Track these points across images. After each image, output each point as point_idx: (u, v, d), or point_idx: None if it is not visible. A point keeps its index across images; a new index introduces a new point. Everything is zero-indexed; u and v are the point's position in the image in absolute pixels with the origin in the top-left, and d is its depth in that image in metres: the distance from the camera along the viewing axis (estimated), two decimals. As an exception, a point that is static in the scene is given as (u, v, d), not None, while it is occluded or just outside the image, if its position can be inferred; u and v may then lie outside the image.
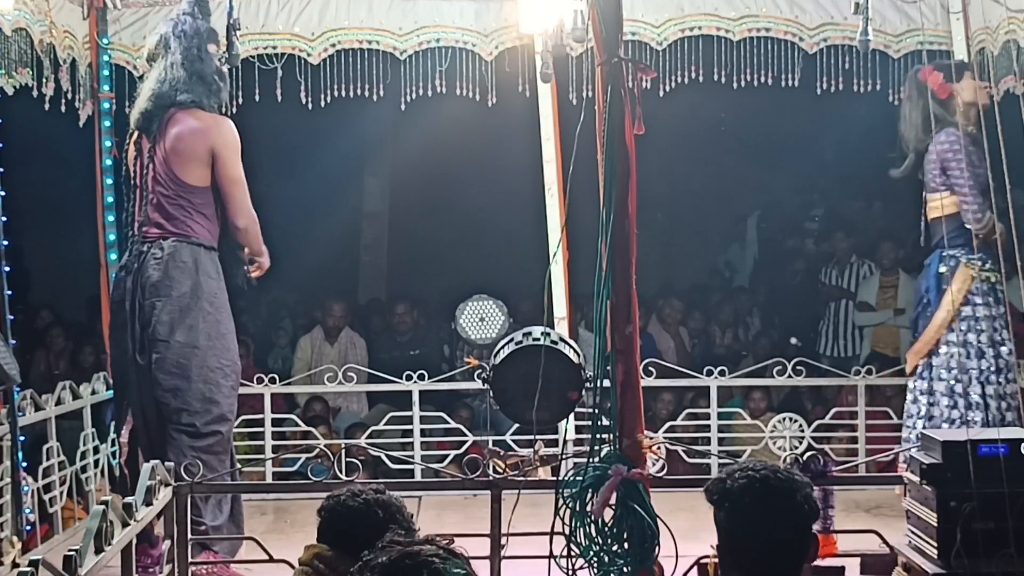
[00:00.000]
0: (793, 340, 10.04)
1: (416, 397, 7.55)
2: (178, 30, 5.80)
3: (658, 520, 4.09)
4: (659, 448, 5.15)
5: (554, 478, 4.59)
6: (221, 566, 5.51)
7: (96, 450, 6.92)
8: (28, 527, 5.72)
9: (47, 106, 6.53)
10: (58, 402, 6.49)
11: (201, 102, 5.80)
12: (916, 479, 4.50)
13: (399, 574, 2.20)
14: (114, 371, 6.09)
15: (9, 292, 5.51)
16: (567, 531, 4.17)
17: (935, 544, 4.37)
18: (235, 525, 5.73)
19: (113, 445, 7.05)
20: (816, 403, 8.54)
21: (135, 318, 5.70)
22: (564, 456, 5.22)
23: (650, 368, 7.22)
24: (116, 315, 5.89)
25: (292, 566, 4.17)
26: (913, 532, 4.60)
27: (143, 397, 5.73)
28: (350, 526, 3.35)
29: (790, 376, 7.55)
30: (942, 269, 6.46)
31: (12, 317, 5.54)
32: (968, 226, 6.32)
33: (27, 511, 5.69)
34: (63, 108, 6.72)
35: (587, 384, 4.98)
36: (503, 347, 5.30)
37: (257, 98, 7.09)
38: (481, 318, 9.22)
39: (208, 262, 5.77)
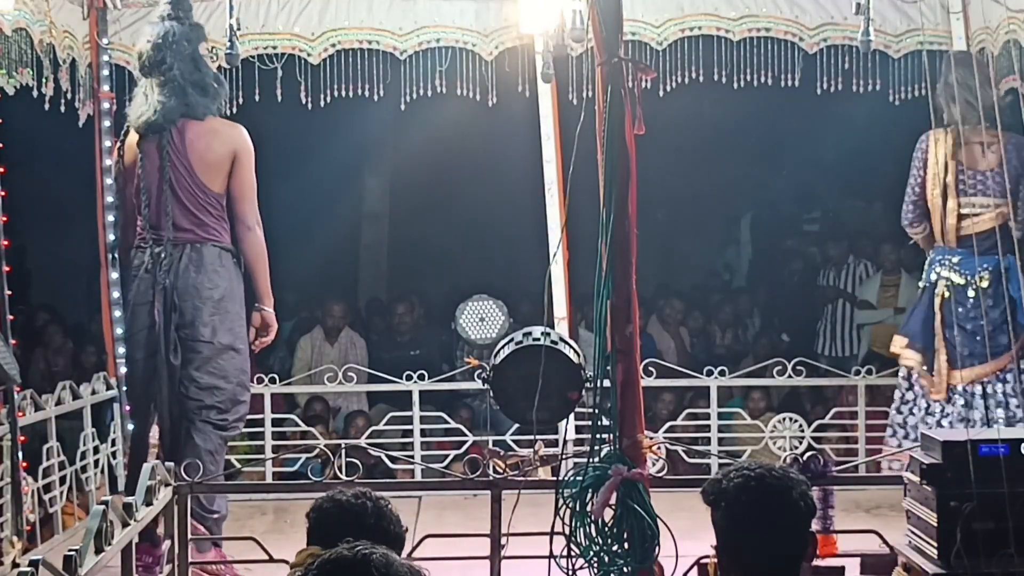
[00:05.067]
0: (784, 337, 10.06)
1: (416, 397, 7.54)
2: (169, 40, 5.79)
3: (658, 520, 4.09)
4: (659, 448, 5.15)
5: (554, 478, 4.59)
6: (220, 566, 5.52)
7: (96, 450, 6.91)
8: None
9: (47, 106, 6.53)
10: (58, 402, 6.48)
11: (210, 109, 5.87)
12: (916, 479, 4.50)
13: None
14: (132, 372, 6.04)
15: (9, 292, 5.51)
16: (567, 531, 4.17)
17: (935, 544, 4.36)
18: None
19: (113, 445, 7.05)
20: (816, 403, 8.53)
21: (169, 320, 5.71)
22: (564, 456, 5.21)
23: (650, 368, 7.22)
24: (136, 317, 5.86)
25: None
26: (913, 532, 4.59)
27: (171, 397, 5.75)
28: (338, 527, 3.35)
29: (790, 376, 7.55)
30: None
31: (12, 317, 5.54)
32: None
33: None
34: (63, 108, 6.72)
35: (587, 384, 4.98)
36: (503, 347, 5.29)
37: (257, 98, 7.09)
38: (481, 318, 9.22)
39: (233, 266, 5.86)
